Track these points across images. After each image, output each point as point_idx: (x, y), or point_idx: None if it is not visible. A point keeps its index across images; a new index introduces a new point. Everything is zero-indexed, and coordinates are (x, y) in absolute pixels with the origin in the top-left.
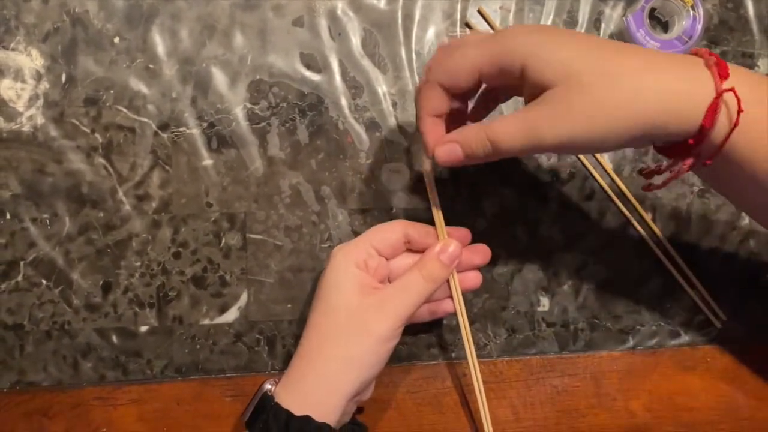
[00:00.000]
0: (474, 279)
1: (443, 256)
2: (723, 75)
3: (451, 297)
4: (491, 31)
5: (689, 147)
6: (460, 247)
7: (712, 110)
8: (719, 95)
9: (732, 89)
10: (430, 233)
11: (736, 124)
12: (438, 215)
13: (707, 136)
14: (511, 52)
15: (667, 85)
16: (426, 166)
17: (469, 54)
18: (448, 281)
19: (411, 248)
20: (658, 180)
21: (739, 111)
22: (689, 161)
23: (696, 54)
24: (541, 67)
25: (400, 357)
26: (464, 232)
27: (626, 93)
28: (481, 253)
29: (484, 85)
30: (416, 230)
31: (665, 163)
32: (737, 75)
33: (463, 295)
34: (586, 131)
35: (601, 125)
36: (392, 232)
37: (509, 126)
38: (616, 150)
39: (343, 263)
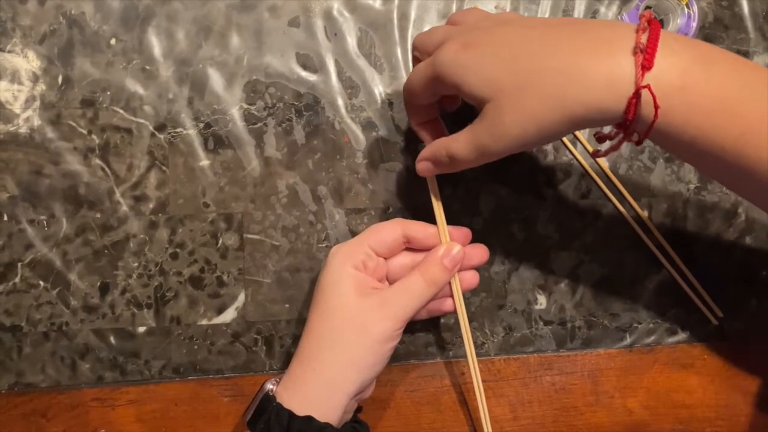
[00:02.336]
0: (471, 279)
1: (446, 260)
2: (647, 65)
3: (449, 296)
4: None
5: (620, 133)
6: (463, 250)
7: (632, 105)
8: (637, 92)
9: (647, 86)
10: (430, 233)
11: (655, 118)
12: (440, 216)
13: (634, 123)
14: (442, 76)
15: (588, 84)
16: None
17: (416, 77)
18: (449, 281)
19: (411, 247)
20: (604, 147)
21: (656, 107)
22: (623, 139)
23: (642, 18)
24: (470, 88)
25: (398, 356)
26: (465, 232)
27: (550, 100)
28: (480, 253)
29: None
30: (416, 229)
31: (614, 131)
32: (667, 58)
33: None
34: (522, 138)
35: (532, 131)
36: (390, 232)
37: (461, 142)
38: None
39: (341, 264)
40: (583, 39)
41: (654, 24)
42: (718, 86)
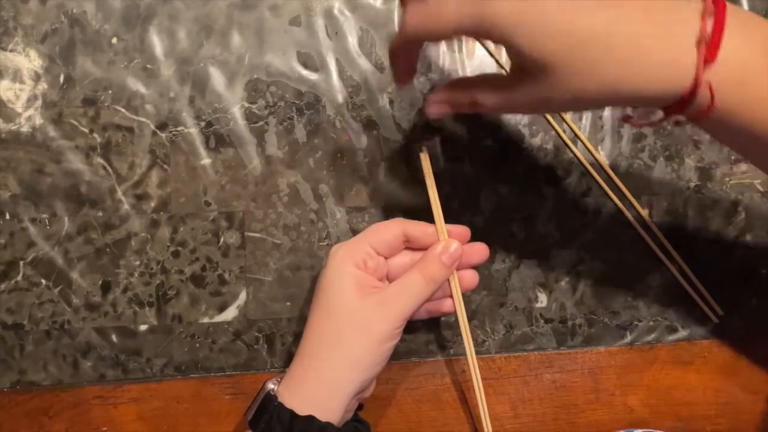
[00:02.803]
0: (471, 279)
1: (444, 256)
2: (710, 58)
3: (449, 296)
4: None
5: (666, 118)
6: (461, 247)
7: (685, 99)
8: (695, 89)
9: (708, 85)
10: (429, 232)
11: (708, 111)
12: (438, 213)
13: (685, 111)
14: (491, 24)
15: (645, 70)
16: (424, 163)
17: (448, 10)
18: (448, 280)
19: (410, 246)
20: (637, 119)
21: (712, 103)
22: (664, 119)
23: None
24: (523, 49)
25: (399, 354)
26: (463, 230)
27: (602, 78)
28: (479, 251)
29: None
30: (415, 229)
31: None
32: (730, 48)
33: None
34: (558, 106)
35: (575, 106)
36: (390, 231)
37: (495, 97)
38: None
39: (342, 263)
40: (646, 18)
41: (720, 7)
42: None
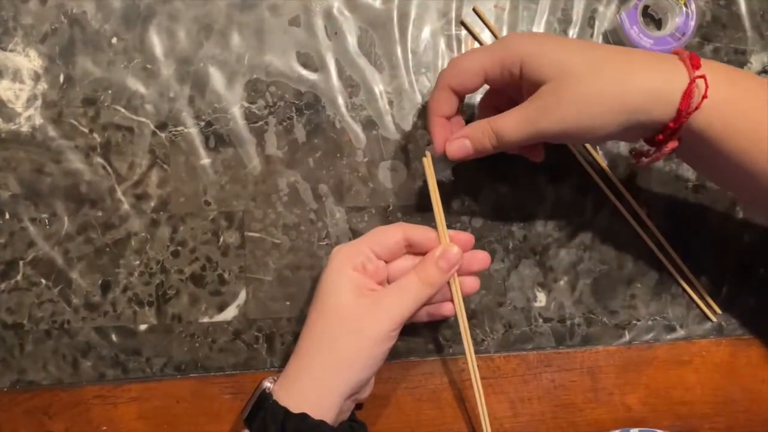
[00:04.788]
0: (472, 284)
1: (442, 261)
2: (695, 65)
3: (450, 300)
4: (486, 30)
5: (671, 131)
6: (460, 252)
7: (687, 94)
8: (692, 80)
9: (703, 76)
10: (431, 236)
11: (697, 107)
12: (440, 218)
13: (685, 118)
14: (512, 53)
15: (647, 75)
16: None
17: (476, 56)
18: (449, 284)
19: (412, 251)
20: (644, 160)
21: (704, 96)
22: (672, 144)
23: (675, 53)
24: (537, 64)
25: (398, 353)
26: (467, 237)
27: (611, 83)
28: (481, 259)
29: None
30: (417, 233)
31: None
32: (710, 65)
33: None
34: (576, 120)
35: (588, 114)
36: (392, 235)
37: (511, 119)
38: (609, 139)
39: (342, 265)
40: (635, 52)
41: (693, 54)
42: (751, 107)
